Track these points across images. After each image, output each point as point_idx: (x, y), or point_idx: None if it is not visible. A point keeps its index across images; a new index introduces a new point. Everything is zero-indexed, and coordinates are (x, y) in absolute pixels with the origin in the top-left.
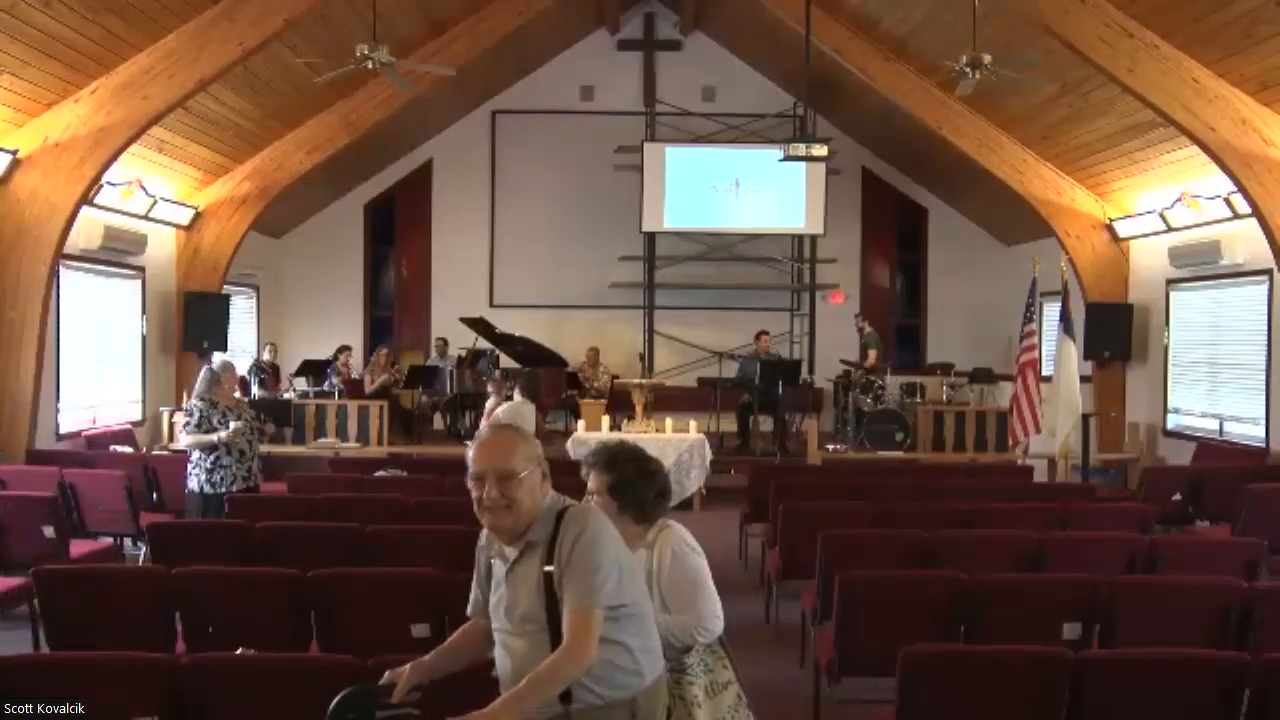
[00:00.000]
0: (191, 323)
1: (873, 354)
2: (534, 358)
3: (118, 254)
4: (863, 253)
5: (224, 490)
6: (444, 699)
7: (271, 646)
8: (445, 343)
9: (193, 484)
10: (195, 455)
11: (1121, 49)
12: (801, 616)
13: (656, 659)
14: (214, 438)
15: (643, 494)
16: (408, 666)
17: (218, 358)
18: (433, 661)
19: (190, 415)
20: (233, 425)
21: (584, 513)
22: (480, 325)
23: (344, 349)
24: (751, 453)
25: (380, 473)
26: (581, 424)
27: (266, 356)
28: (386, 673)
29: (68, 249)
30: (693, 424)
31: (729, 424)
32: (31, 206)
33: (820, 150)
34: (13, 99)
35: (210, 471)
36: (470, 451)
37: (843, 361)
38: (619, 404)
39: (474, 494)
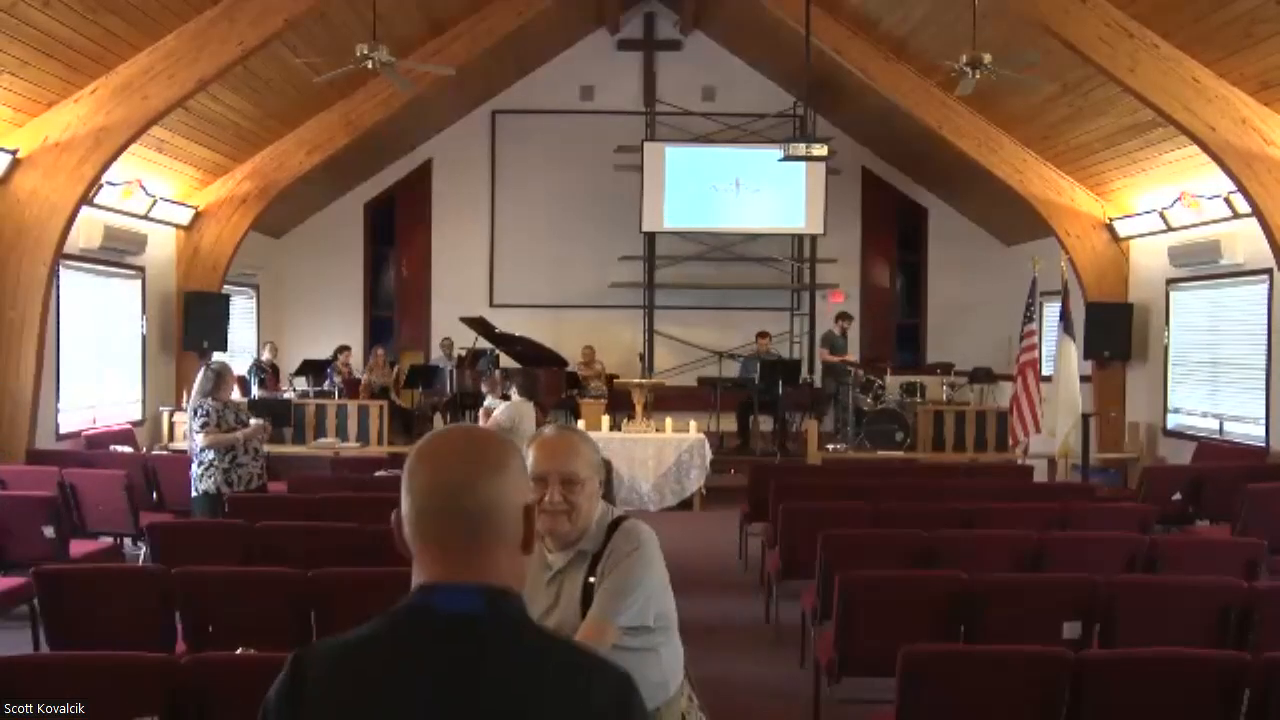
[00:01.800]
0: (191, 323)
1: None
2: (534, 358)
3: (118, 254)
4: (863, 252)
5: (243, 489)
6: None
7: (271, 646)
8: (451, 343)
9: (206, 485)
10: (209, 456)
11: (1121, 49)
12: (801, 616)
13: (679, 669)
14: (239, 435)
15: (613, 493)
16: None
17: (217, 358)
18: None
19: (207, 416)
20: (253, 422)
21: (638, 530)
22: (480, 325)
23: (343, 349)
24: (751, 453)
25: (380, 473)
26: (581, 424)
27: (266, 356)
28: None
29: (68, 249)
30: (693, 424)
31: (729, 424)
32: (31, 206)
33: (820, 150)
34: (13, 99)
35: (228, 471)
36: (531, 451)
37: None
38: (619, 404)
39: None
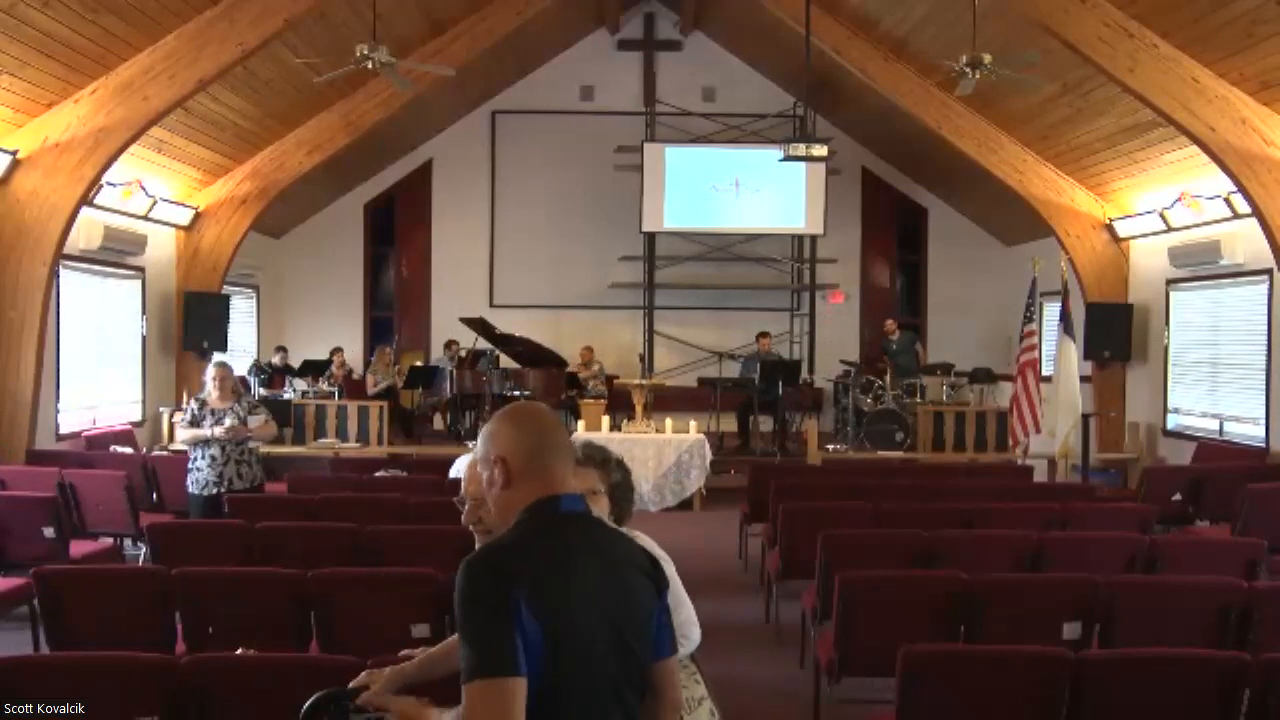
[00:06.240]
0: (191, 323)
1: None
2: (533, 358)
3: (118, 254)
4: (863, 252)
5: (196, 492)
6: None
7: (271, 646)
8: (457, 344)
9: (188, 484)
10: (190, 454)
11: (1121, 49)
12: (801, 616)
13: None
14: (204, 433)
15: (629, 498)
16: (387, 670)
17: (218, 358)
18: (417, 669)
19: (185, 414)
20: (228, 422)
21: None
22: (479, 325)
23: (336, 350)
24: (751, 453)
25: (380, 473)
26: (581, 424)
27: (276, 360)
28: (364, 673)
29: (68, 249)
30: (693, 424)
31: (729, 424)
32: (31, 206)
33: (820, 150)
34: (12, 99)
35: (189, 473)
36: None
37: (847, 362)
38: (619, 404)
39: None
